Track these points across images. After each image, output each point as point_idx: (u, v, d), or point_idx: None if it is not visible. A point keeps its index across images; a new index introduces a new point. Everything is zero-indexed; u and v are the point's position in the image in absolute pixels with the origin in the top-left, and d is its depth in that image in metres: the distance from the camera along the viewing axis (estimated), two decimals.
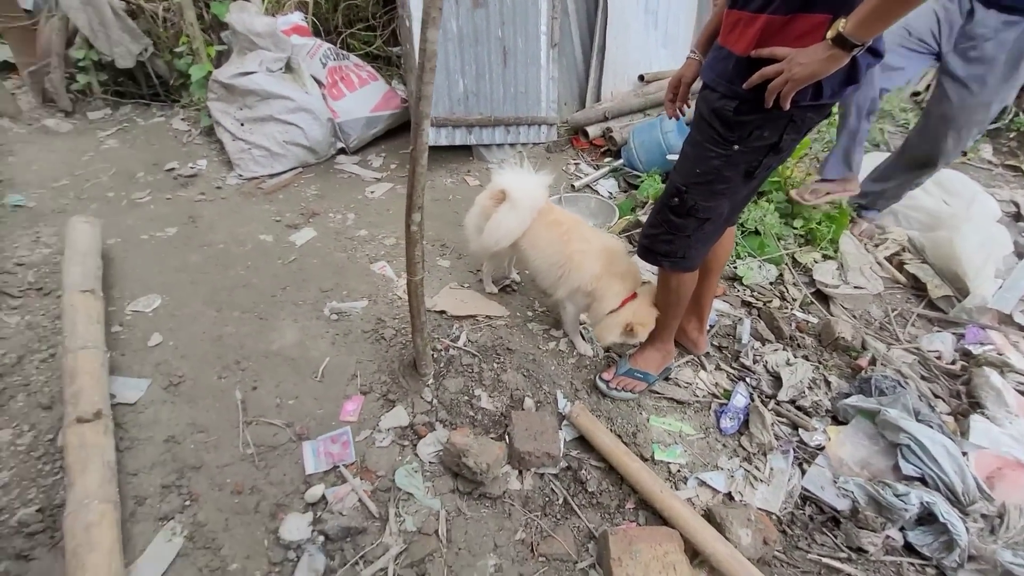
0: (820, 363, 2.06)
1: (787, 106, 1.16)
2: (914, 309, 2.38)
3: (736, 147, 1.29)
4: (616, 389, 1.83)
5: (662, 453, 1.69)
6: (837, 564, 1.45)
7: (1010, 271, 2.50)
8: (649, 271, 2.17)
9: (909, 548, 1.50)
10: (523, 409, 1.76)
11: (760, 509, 1.57)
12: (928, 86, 4.52)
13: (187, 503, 1.43)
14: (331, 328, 1.99)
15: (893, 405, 1.72)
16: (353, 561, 1.35)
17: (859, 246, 2.61)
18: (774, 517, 1.56)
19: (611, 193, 3.07)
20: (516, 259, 2.20)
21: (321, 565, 1.34)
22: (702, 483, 1.64)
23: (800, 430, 1.79)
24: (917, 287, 2.50)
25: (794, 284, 2.43)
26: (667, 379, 1.94)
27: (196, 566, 1.31)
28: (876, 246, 2.71)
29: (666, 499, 1.48)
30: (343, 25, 3.68)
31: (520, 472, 1.60)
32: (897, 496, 1.50)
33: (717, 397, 1.90)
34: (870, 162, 2.90)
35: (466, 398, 1.76)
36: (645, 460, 1.64)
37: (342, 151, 3.13)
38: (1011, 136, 4.08)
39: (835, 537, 1.52)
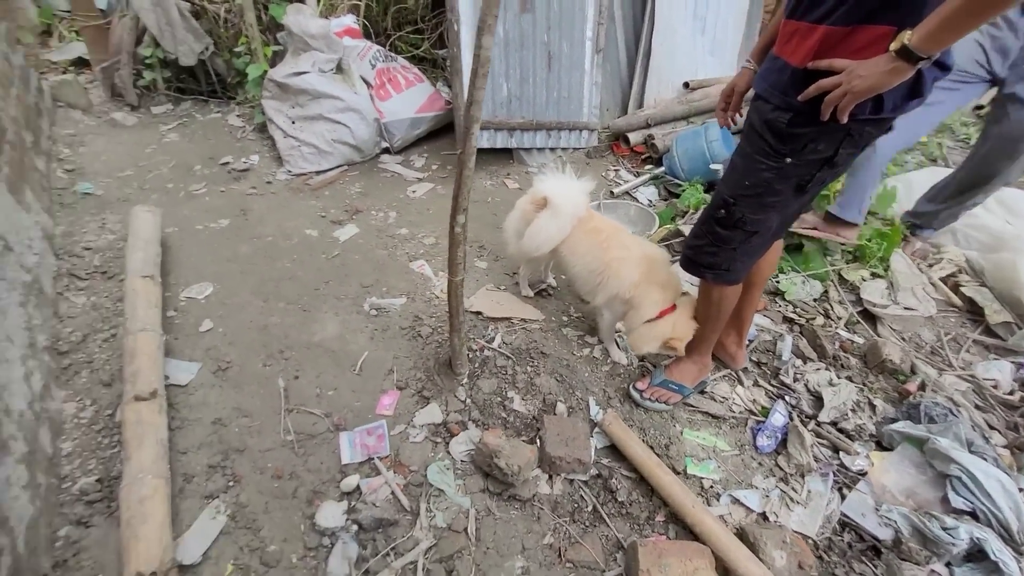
0: (865, 385, 1.99)
1: (844, 119, 1.13)
2: (969, 334, 2.27)
3: (788, 160, 1.27)
4: (650, 399, 1.81)
5: (695, 467, 1.67)
6: None
7: None
8: (689, 282, 2.14)
9: None
10: (555, 414, 1.76)
11: (796, 532, 1.52)
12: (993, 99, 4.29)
13: (231, 484, 1.49)
14: (370, 323, 2.04)
15: (944, 434, 1.64)
16: (384, 552, 1.38)
17: (911, 265, 2.50)
18: (810, 541, 1.51)
19: (651, 201, 3.04)
20: (554, 264, 2.20)
21: (354, 553, 1.37)
22: (735, 501, 1.60)
23: (841, 453, 1.73)
24: (973, 311, 2.38)
25: (840, 302, 2.35)
26: (703, 392, 1.91)
27: (237, 545, 1.37)
28: (930, 266, 2.59)
29: (698, 514, 1.46)
30: (392, 28, 3.77)
31: (550, 476, 1.60)
32: (945, 530, 1.43)
33: (754, 414, 1.85)
34: (928, 178, 2.78)
35: (499, 399, 1.78)
36: (677, 473, 1.61)
37: (386, 150, 3.20)
38: None
39: (875, 567, 1.46)
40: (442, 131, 3.38)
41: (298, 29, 3.01)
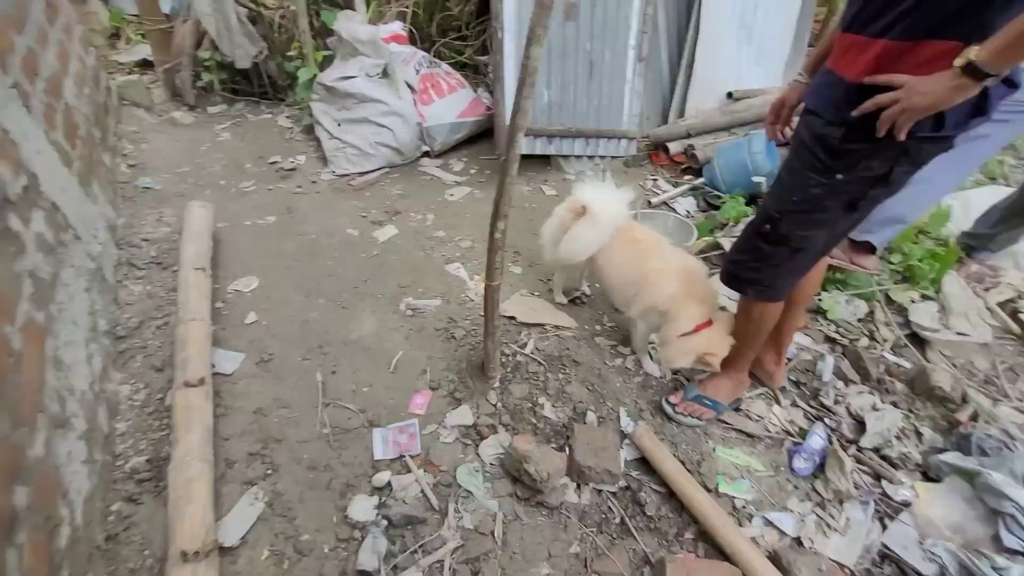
0: (911, 412, 1.90)
1: (902, 137, 1.10)
2: None
3: (839, 176, 1.24)
4: (682, 414, 1.79)
5: (727, 486, 1.63)
6: None
7: None
8: (728, 297, 2.10)
9: None
10: (585, 423, 1.76)
11: (832, 560, 1.47)
12: None
13: (269, 472, 1.55)
14: (406, 323, 2.08)
15: (997, 468, 1.56)
16: (413, 549, 1.41)
17: (966, 288, 2.38)
18: (847, 571, 1.46)
19: (689, 212, 3.00)
20: (589, 272, 2.20)
21: (383, 548, 1.40)
22: (769, 523, 1.56)
23: (884, 482, 1.66)
24: None
25: (886, 324, 2.25)
26: (737, 410, 1.87)
27: (273, 531, 1.41)
28: (987, 290, 2.46)
29: (729, 534, 1.43)
30: (437, 34, 3.85)
31: (579, 486, 1.60)
32: (995, 570, 1.36)
33: (791, 435, 1.80)
34: (987, 197, 2.65)
35: (530, 405, 1.79)
36: (709, 491, 1.58)
37: (426, 154, 3.27)
38: None
39: None
40: (481, 136, 3.43)
41: (348, 35, 3.11)
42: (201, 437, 1.49)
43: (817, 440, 1.73)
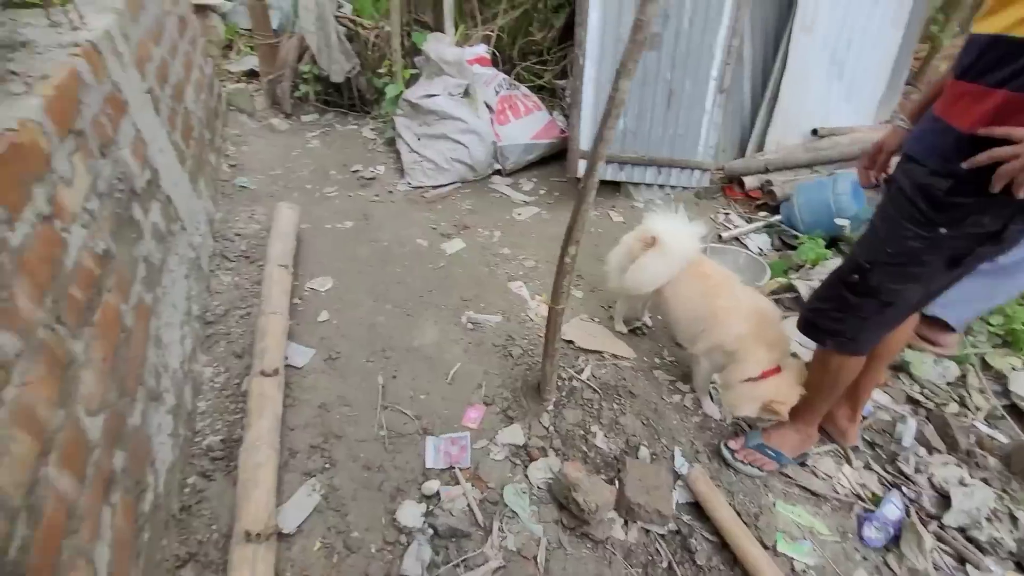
0: (1005, 493, 1.72)
1: (1021, 195, 1.02)
2: None
3: (943, 230, 1.16)
4: (742, 462, 1.71)
5: (787, 546, 1.53)
6: None
7: None
8: (799, 343, 1.99)
9: None
10: (637, 458, 1.72)
11: None
12: None
13: (327, 466, 1.62)
14: (466, 336, 2.13)
15: None
16: (455, 562, 1.42)
17: None
18: None
19: (762, 250, 2.89)
20: (653, 304, 2.16)
21: (427, 556, 1.43)
22: None
23: (968, 567, 1.51)
24: None
25: (980, 391, 2.06)
26: (803, 465, 1.76)
27: (326, 524, 1.47)
28: None
29: None
30: (518, 58, 3.97)
31: (627, 522, 1.56)
32: None
33: (862, 500, 1.67)
34: None
35: (582, 432, 1.77)
36: (766, 548, 1.49)
37: (498, 172, 3.35)
38: None
39: None
40: (552, 158, 3.47)
41: (435, 55, 3.27)
42: (271, 425, 1.58)
43: (892, 510, 1.60)
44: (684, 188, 3.38)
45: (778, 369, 1.67)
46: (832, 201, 2.73)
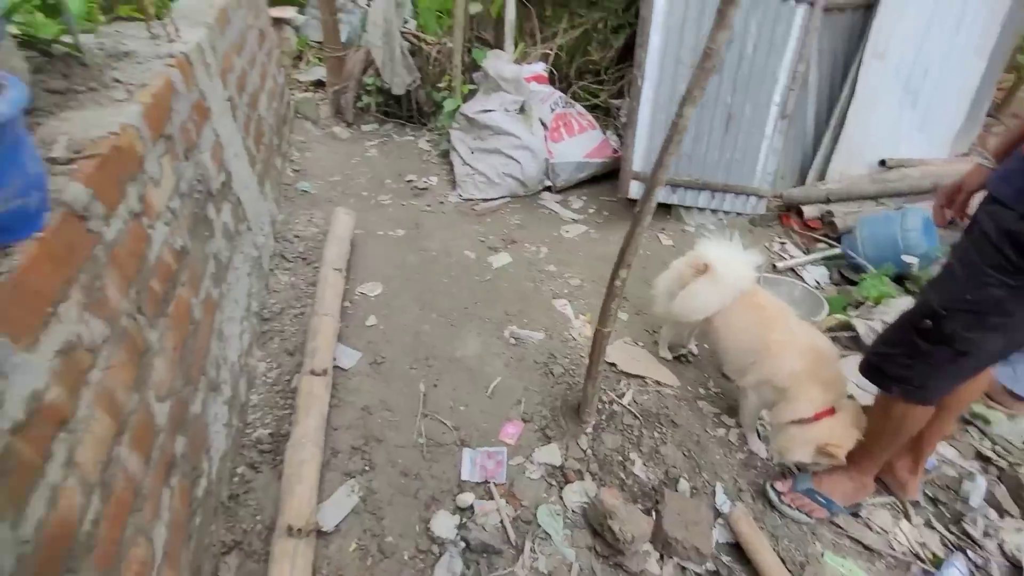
0: None
1: None
2: None
3: None
4: (789, 505, 1.63)
5: None
6: None
7: None
8: (858, 386, 1.89)
9: None
10: (677, 490, 1.67)
11: None
12: None
13: (366, 468, 1.66)
14: (507, 350, 2.14)
15: None
16: None
17: None
18: None
19: (819, 283, 2.77)
20: (701, 332, 2.11)
21: (458, 570, 1.43)
22: None
23: None
24: None
25: None
26: (855, 515, 1.66)
27: (362, 526, 1.50)
28: None
29: None
30: (575, 77, 4.00)
31: (662, 556, 1.51)
32: None
33: (921, 561, 1.56)
34: None
35: (620, 459, 1.74)
36: None
37: (548, 188, 3.37)
38: None
39: None
40: (604, 177, 3.47)
41: (494, 72, 3.35)
42: (317, 423, 1.64)
43: (955, 574, 1.48)
44: (738, 214, 3.29)
45: (833, 411, 1.59)
46: (900, 237, 2.59)
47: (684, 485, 1.69)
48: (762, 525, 1.60)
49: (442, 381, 1.98)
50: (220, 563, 1.36)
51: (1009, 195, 1.12)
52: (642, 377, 2.05)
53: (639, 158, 3.03)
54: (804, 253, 3.00)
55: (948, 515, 1.69)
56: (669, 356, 2.18)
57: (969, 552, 1.57)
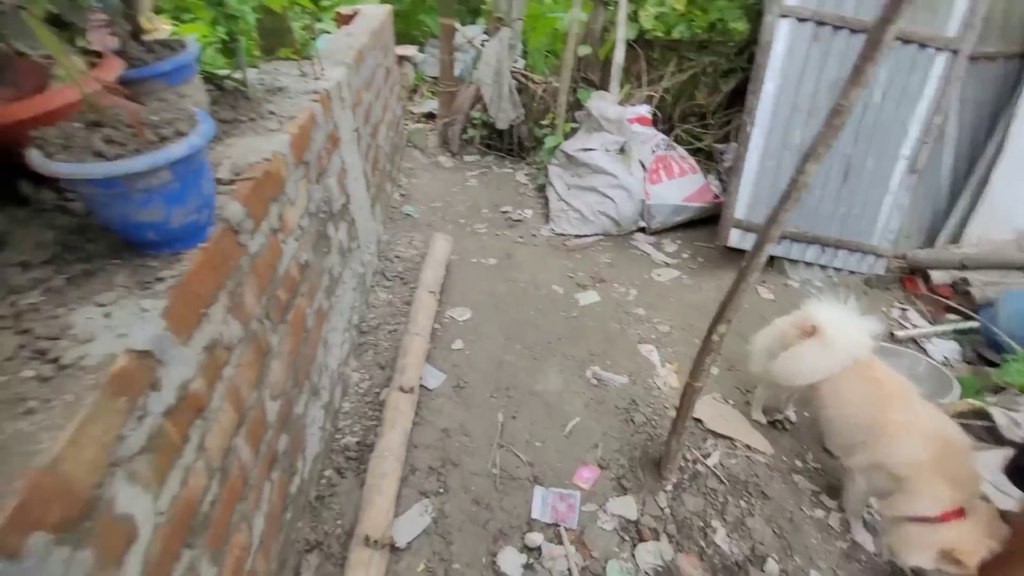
0: None
1: None
2: None
3: None
4: None
5: None
6: None
7: None
8: (997, 486, 1.63)
9: None
10: (763, 571, 1.52)
11: None
12: None
13: (440, 491, 1.69)
14: (588, 391, 2.11)
15: None
16: None
17: None
18: None
19: (948, 360, 2.45)
20: (802, 398, 1.94)
21: None
22: None
23: None
24: None
25: None
26: None
27: (432, 548, 1.53)
28: None
29: None
30: (679, 119, 3.96)
31: None
32: None
33: None
34: None
35: (701, 524, 1.63)
36: None
37: (641, 229, 3.33)
38: None
39: None
40: (701, 222, 3.36)
41: (597, 112, 3.40)
42: (400, 439, 1.71)
43: None
44: (851, 272, 3.03)
45: (962, 512, 1.38)
46: None
47: (773, 566, 1.54)
48: None
49: (520, 413, 1.98)
50: (303, 560, 1.44)
51: None
52: (731, 439, 1.92)
53: (743, 206, 2.91)
54: (930, 323, 2.68)
55: None
56: (763, 420, 2.02)
57: None
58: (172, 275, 0.93)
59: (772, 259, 3.06)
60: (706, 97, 3.90)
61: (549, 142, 3.63)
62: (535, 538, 1.57)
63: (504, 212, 3.41)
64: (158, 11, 1.76)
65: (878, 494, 1.56)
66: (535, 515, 1.64)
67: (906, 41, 2.72)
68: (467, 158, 4.20)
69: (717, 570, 1.52)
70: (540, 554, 1.54)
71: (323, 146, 1.84)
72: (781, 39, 2.73)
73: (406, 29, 5.31)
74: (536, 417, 1.97)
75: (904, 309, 2.80)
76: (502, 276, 2.77)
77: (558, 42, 4.64)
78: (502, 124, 4.09)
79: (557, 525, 1.62)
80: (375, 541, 1.39)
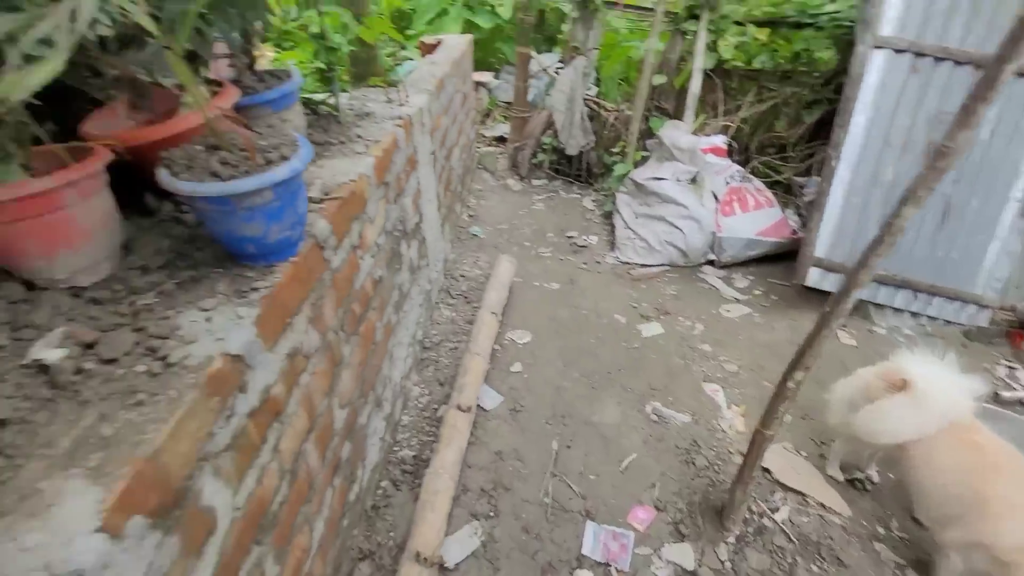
0: None
1: None
2: None
3: None
4: None
5: None
6: None
7: None
8: None
9: None
10: None
11: None
12: None
13: (491, 514, 1.68)
14: (647, 427, 2.04)
15: None
16: None
17: None
18: None
19: None
20: (887, 457, 1.77)
21: None
22: None
23: None
24: None
25: None
26: None
27: (479, 572, 1.52)
28: None
29: None
30: (756, 151, 3.83)
31: None
32: None
33: None
34: None
35: None
36: None
37: (711, 262, 3.21)
38: None
39: None
40: (776, 258, 3.19)
41: (669, 141, 3.36)
42: (455, 457, 1.72)
43: None
44: (947, 323, 2.76)
45: None
46: None
47: None
48: None
49: (575, 443, 1.95)
50: (356, 568, 1.48)
51: None
52: (803, 494, 1.78)
53: (824, 243, 2.75)
54: None
55: None
56: (840, 477, 1.86)
57: None
58: (265, 286, 1.00)
59: (857, 302, 2.85)
60: (787, 128, 3.75)
61: (618, 169, 3.61)
62: None
63: (569, 237, 3.42)
64: (263, 40, 1.95)
65: None
66: (585, 551, 1.59)
67: (1020, 75, 2.50)
68: (535, 182, 4.26)
69: None
70: None
71: (402, 168, 1.93)
72: (874, 71, 2.58)
73: (483, 56, 5.51)
74: (591, 448, 1.93)
75: (1012, 367, 2.50)
76: (564, 301, 2.76)
77: (632, 70, 4.65)
78: (572, 150, 4.13)
79: (608, 565, 1.56)
80: (425, 558, 1.40)
